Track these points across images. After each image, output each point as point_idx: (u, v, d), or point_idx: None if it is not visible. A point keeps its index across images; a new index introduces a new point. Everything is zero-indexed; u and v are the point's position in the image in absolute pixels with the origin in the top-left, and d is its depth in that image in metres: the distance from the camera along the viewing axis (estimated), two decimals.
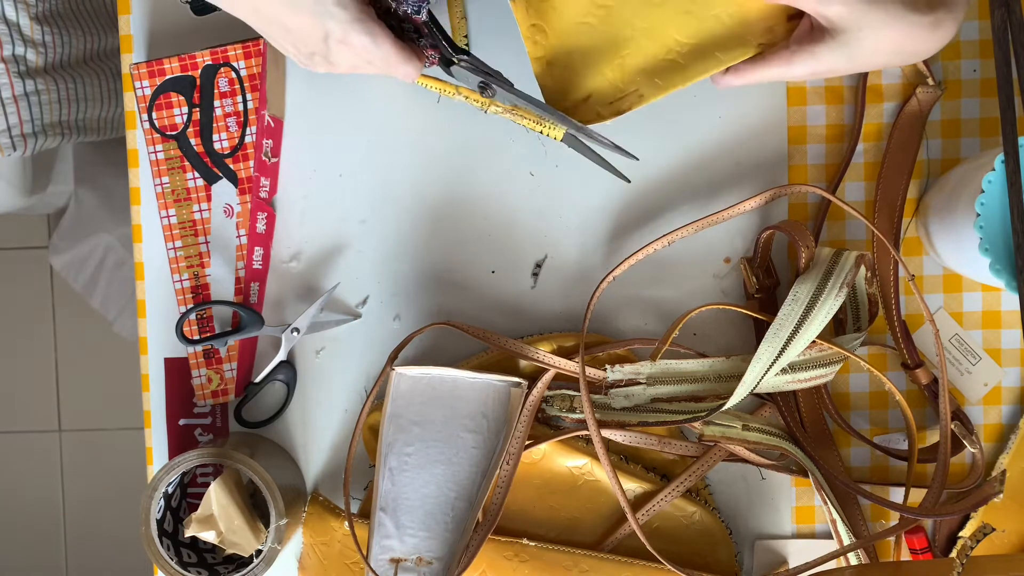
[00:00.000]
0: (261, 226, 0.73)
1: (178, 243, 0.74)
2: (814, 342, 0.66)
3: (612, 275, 0.70)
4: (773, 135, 0.73)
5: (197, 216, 0.74)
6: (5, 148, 0.86)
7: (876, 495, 0.69)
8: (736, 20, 0.64)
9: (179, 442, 0.76)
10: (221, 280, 0.74)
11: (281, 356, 0.74)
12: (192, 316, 0.74)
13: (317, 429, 0.75)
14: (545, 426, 0.72)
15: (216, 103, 0.73)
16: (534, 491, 0.72)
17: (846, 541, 0.68)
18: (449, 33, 0.67)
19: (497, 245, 0.74)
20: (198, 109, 0.73)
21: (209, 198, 0.74)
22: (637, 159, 0.67)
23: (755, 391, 0.66)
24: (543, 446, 0.71)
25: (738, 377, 0.68)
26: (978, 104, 0.73)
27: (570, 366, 0.70)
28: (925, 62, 0.70)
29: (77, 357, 1.68)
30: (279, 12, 0.57)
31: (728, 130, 0.73)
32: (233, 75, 0.72)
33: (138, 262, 0.75)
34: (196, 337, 0.74)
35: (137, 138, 0.75)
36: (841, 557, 0.67)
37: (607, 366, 0.71)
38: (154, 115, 0.73)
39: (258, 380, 0.74)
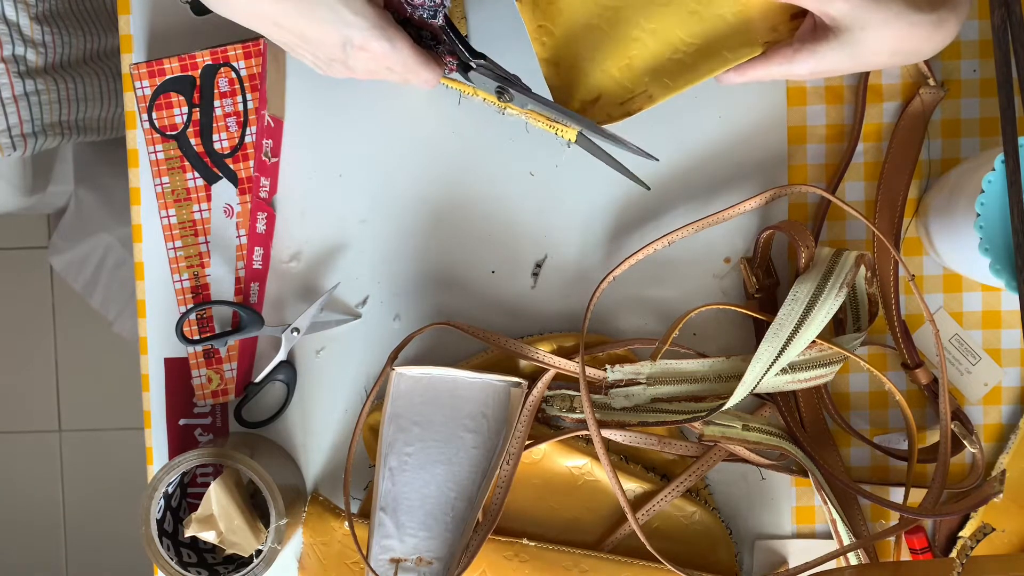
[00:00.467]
0: (261, 226, 0.73)
1: (178, 243, 0.74)
2: (814, 342, 0.66)
3: (612, 275, 0.70)
4: (773, 135, 0.73)
5: (197, 216, 0.74)
6: (5, 148, 0.86)
7: (876, 495, 0.69)
8: (741, 19, 0.64)
9: (179, 442, 0.76)
10: (221, 280, 0.74)
11: (281, 356, 0.74)
12: (192, 316, 0.74)
13: (317, 429, 0.75)
14: (545, 426, 0.72)
15: (216, 103, 0.73)
16: (534, 491, 0.72)
17: (846, 541, 0.68)
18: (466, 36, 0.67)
19: (497, 245, 0.74)
20: (198, 109, 0.73)
21: (209, 198, 0.74)
22: (657, 160, 0.67)
23: (755, 391, 0.66)
24: (543, 446, 0.71)
25: (738, 377, 0.68)
26: (978, 104, 0.73)
27: (570, 366, 0.70)
28: (927, 62, 0.70)
29: (77, 357, 1.68)
30: (297, 23, 0.57)
31: (728, 130, 0.73)
32: (233, 75, 0.72)
33: (138, 262, 0.75)
34: (196, 337, 0.74)
35: (137, 138, 0.75)
36: (841, 557, 0.67)
37: (607, 366, 0.71)
38: (154, 115, 0.73)
39: (258, 380, 0.74)
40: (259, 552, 0.68)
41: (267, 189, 0.74)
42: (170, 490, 0.70)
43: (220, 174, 0.74)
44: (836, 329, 0.72)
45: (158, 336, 0.75)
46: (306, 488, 0.76)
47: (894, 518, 0.73)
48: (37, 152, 0.89)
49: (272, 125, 0.73)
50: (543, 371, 0.71)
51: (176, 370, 0.75)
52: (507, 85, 0.63)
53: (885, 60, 0.60)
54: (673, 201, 0.73)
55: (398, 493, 0.70)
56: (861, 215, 0.68)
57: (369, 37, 0.57)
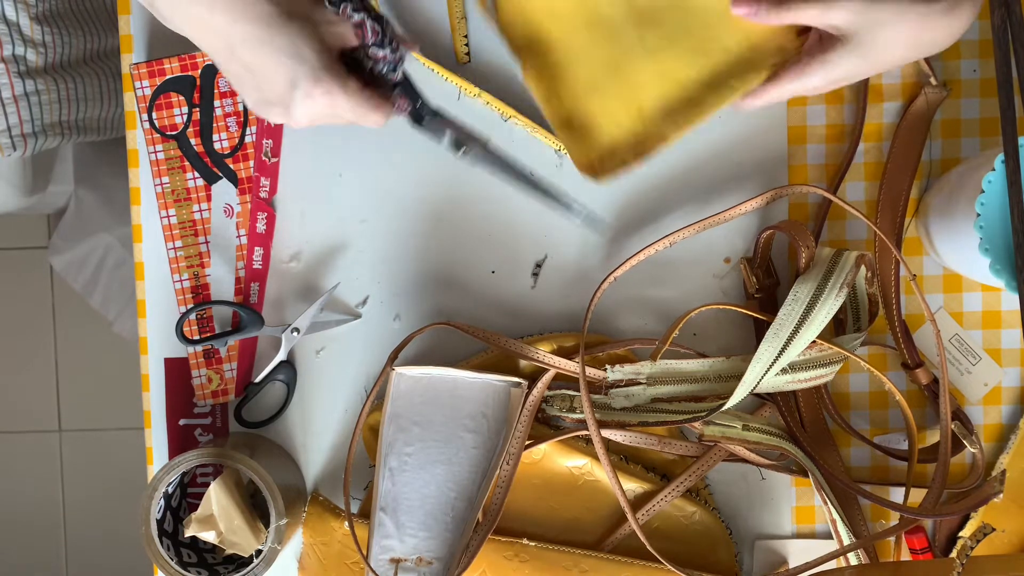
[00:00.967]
0: (261, 226, 0.73)
1: (178, 243, 0.74)
2: (814, 342, 0.66)
3: (613, 275, 0.70)
4: (773, 135, 0.73)
5: (197, 216, 0.74)
6: (5, 148, 0.86)
7: (876, 495, 0.69)
8: (744, 47, 0.64)
9: (179, 442, 0.76)
10: (221, 280, 0.74)
11: (281, 356, 0.74)
12: (192, 316, 0.74)
13: (317, 429, 0.75)
14: (545, 426, 0.72)
15: (216, 103, 0.73)
16: (534, 491, 0.72)
17: (846, 541, 0.68)
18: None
19: (497, 245, 0.74)
20: (198, 109, 0.73)
21: (209, 198, 0.74)
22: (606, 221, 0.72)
23: (755, 391, 0.66)
24: (543, 446, 0.71)
25: (738, 377, 0.68)
26: (978, 104, 0.73)
27: (570, 366, 0.70)
28: (928, 62, 0.70)
29: (77, 357, 1.68)
30: (255, 51, 0.56)
31: (728, 130, 0.73)
32: None
33: (138, 262, 0.75)
34: (196, 337, 0.74)
35: (137, 138, 0.74)
36: (841, 557, 0.67)
37: (607, 366, 0.71)
38: (154, 115, 0.73)
39: (258, 380, 0.74)
40: (259, 552, 0.68)
41: (267, 189, 0.74)
42: (170, 490, 0.70)
43: (220, 174, 0.74)
44: (836, 329, 0.72)
45: (158, 336, 0.75)
46: (306, 488, 0.76)
47: (894, 518, 0.73)
48: (37, 152, 0.89)
49: (272, 125, 0.73)
50: (543, 371, 0.71)
51: (176, 370, 0.75)
52: (464, 139, 0.65)
53: (900, 56, 0.59)
54: (673, 201, 0.73)
55: (398, 493, 0.70)
56: (863, 215, 0.68)
57: (322, 76, 0.56)
